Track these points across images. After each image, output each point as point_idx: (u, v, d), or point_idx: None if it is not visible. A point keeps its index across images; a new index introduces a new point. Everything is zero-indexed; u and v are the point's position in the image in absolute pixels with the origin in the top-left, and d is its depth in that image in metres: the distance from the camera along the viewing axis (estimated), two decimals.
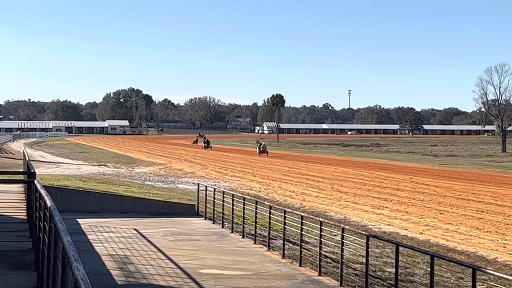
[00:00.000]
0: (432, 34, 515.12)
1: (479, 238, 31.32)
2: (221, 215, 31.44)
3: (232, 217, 29.58)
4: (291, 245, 25.12)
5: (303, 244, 22.89)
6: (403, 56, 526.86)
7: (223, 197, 31.86)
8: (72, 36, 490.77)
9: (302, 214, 24.27)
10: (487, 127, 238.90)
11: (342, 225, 21.33)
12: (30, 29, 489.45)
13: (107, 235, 26.90)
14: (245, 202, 28.91)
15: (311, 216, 25.50)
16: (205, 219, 33.64)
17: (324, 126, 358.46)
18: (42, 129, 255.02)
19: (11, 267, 14.89)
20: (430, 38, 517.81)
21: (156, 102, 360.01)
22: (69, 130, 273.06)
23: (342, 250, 19.97)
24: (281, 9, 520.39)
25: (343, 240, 20.15)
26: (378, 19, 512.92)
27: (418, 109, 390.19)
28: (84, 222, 30.15)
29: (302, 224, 23.06)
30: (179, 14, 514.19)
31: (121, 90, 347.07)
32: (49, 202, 12.28)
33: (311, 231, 24.11)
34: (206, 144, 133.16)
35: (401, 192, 50.55)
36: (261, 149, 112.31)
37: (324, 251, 22.25)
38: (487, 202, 44.55)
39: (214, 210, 32.59)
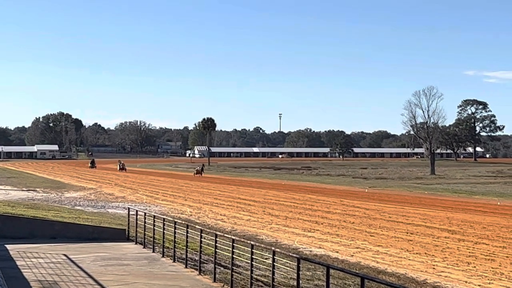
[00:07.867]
0: (360, 57, 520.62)
1: (409, 259, 31.66)
2: (152, 239, 31.23)
3: (163, 241, 29.42)
4: (222, 268, 25.03)
5: (234, 268, 22.87)
6: (333, 80, 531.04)
7: (154, 221, 31.63)
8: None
9: (233, 237, 24.26)
10: (416, 150, 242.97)
11: (273, 248, 21.33)
12: None
13: (36, 261, 26.51)
14: (176, 226, 28.77)
15: (243, 240, 25.47)
16: (136, 243, 33.38)
17: (255, 149, 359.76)
18: None
19: None
20: (359, 61, 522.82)
21: (86, 127, 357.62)
22: None
23: (273, 273, 19.99)
24: (210, 32, 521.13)
25: (274, 263, 20.16)
26: (307, 42, 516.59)
27: (348, 132, 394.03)
28: (13, 248, 29.69)
29: (233, 247, 23.03)
30: (108, 37, 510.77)
31: (51, 114, 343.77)
32: None
33: (242, 255, 24.09)
34: (91, 165, 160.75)
35: (331, 215, 50.88)
36: (121, 167, 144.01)
37: (256, 275, 22.24)
38: (417, 224, 45.12)
39: (144, 234, 32.39)
